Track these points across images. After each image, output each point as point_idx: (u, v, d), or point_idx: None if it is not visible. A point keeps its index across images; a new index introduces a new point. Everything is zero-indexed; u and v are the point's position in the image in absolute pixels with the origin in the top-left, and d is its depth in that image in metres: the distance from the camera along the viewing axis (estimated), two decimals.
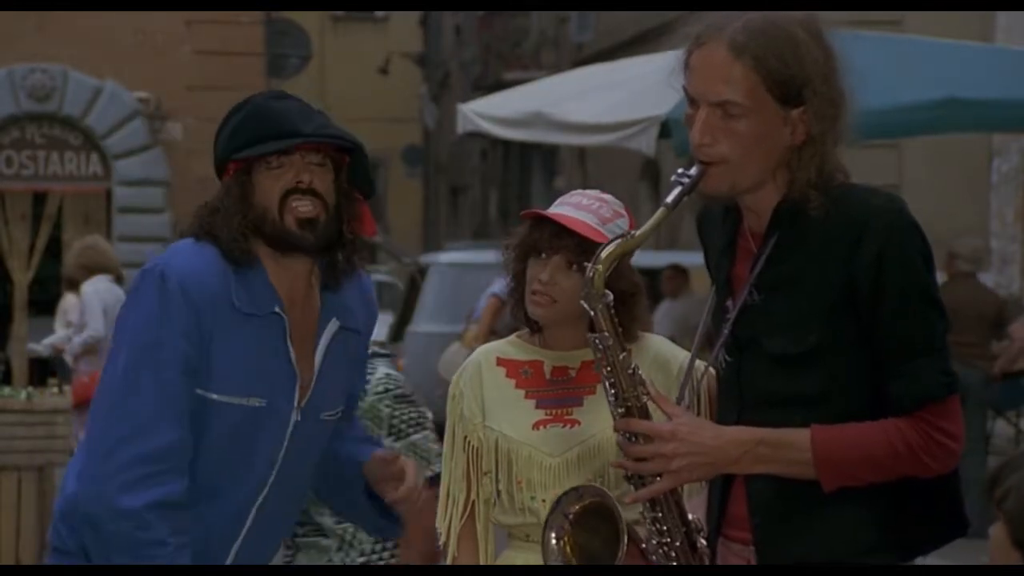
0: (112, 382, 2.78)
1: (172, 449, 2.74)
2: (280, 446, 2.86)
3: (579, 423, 3.06)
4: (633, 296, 3.03)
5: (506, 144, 24.74)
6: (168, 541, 2.71)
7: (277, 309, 2.82)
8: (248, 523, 2.89)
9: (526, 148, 24.92)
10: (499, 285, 11.65)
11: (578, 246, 3.02)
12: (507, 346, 3.19)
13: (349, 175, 2.87)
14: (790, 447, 2.48)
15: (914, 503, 2.52)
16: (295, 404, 2.86)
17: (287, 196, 2.79)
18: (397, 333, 14.71)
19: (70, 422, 9.42)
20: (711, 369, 2.73)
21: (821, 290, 2.50)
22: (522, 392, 3.11)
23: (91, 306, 9.99)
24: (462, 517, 3.15)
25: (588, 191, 3.17)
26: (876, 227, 2.46)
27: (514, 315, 3.17)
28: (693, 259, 12.34)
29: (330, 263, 2.88)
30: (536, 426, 3.08)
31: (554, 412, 3.08)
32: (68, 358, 9.97)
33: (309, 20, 23.70)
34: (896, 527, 2.52)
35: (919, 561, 2.57)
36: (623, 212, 3.11)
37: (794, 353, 2.51)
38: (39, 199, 17.01)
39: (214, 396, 2.78)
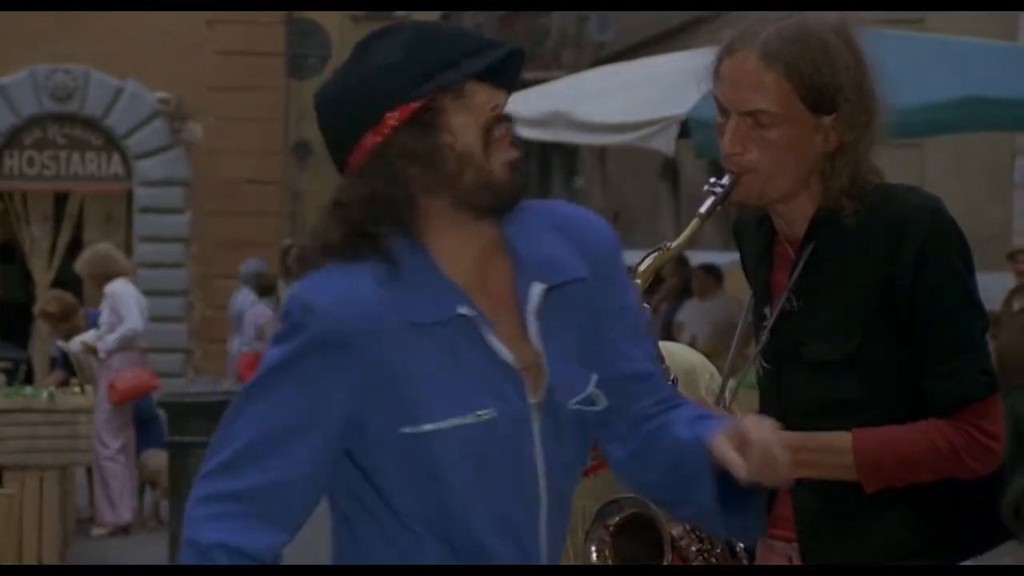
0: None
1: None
2: (533, 455, 2.18)
3: None
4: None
5: (526, 143, 24.69)
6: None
7: (463, 311, 2.13)
8: (543, 555, 2.21)
9: (546, 147, 24.90)
10: None
11: None
12: None
13: None
14: (831, 451, 2.47)
15: (958, 507, 2.51)
16: (530, 401, 2.17)
17: (492, 129, 2.13)
18: None
19: (92, 422, 9.46)
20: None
21: (861, 294, 2.48)
22: None
23: (126, 302, 10.04)
24: None
25: None
26: (914, 228, 2.45)
27: None
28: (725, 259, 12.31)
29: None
30: None
31: None
32: (101, 354, 9.98)
33: (329, 20, 23.71)
34: (939, 531, 2.51)
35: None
36: None
37: (835, 359, 2.49)
38: (61, 199, 17.07)
39: (427, 427, 2.12)
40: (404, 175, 2.09)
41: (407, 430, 2.12)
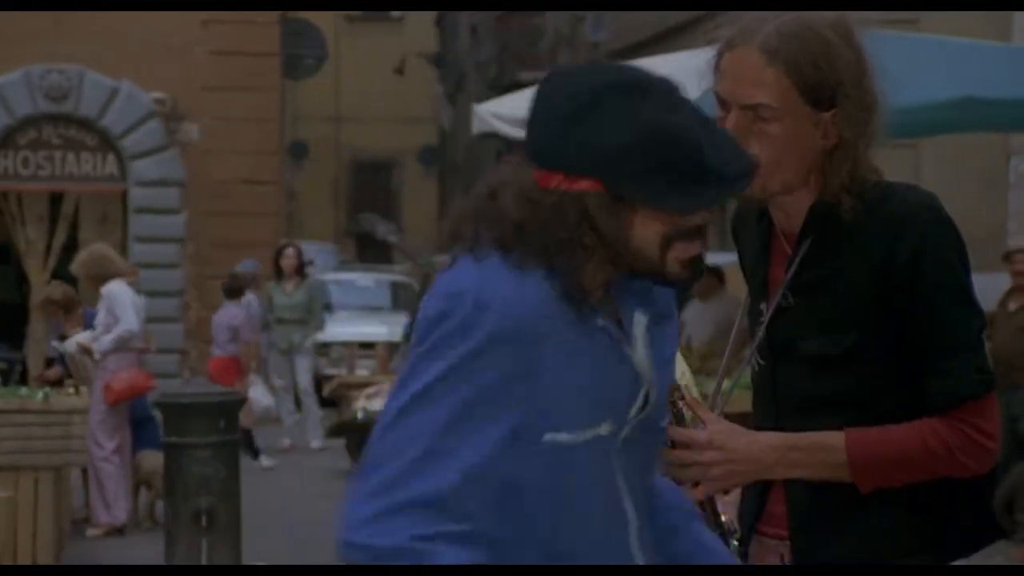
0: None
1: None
2: (616, 476, 2.15)
3: None
4: None
5: (522, 143, 24.68)
6: None
7: (601, 322, 2.11)
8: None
9: None
10: None
11: None
12: None
13: None
14: (824, 450, 2.47)
15: (953, 505, 2.52)
16: (628, 416, 2.14)
17: (674, 240, 2.09)
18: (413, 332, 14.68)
19: (87, 422, 9.46)
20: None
21: (858, 290, 2.48)
22: None
23: (122, 302, 10.04)
24: None
25: None
26: (912, 226, 2.46)
27: None
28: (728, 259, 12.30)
29: None
30: None
31: None
32: (97, 355, 9.98)
33: (324, 20, 23.72)
34: (934, 530, 2.52)
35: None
36: None
37: (832, 355, 2.50)
38: (56, 200, 17.08)
39: (563, 436, 2.07)
40: (578, 231, 2.04)
41: (549, 437, 2.05)
